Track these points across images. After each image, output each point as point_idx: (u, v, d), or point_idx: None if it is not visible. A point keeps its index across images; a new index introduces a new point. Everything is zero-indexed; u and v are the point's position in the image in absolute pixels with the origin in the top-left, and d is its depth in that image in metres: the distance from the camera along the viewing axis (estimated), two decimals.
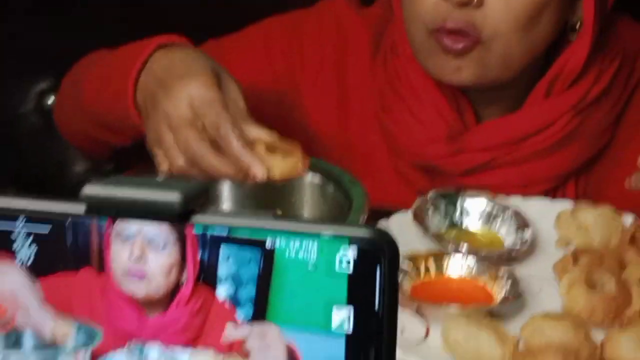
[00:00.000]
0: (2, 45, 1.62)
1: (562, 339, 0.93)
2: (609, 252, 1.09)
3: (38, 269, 0.52)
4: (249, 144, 1.02)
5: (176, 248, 0.51)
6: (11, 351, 0.54)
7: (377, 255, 0.48)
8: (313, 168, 1.19)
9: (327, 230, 0.49)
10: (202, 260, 0.51)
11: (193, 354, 0.52)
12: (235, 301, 0.50)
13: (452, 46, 1.20)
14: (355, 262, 0.48)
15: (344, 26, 1.37)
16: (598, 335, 0.97)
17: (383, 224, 1.15)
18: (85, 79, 1.28)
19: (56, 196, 0.52)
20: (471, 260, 1.08)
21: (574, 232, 1.14)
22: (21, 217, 0.52)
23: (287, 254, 0.49)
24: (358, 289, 0.48)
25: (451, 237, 1.15)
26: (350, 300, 0.48)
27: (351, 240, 0.48)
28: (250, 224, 0.49)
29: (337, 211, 1.13)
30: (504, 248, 1.14)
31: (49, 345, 0.54)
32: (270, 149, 1.02)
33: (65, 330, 0.53)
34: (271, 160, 1.01)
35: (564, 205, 1.19)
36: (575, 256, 1.08)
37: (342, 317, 0.48)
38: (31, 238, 0.52)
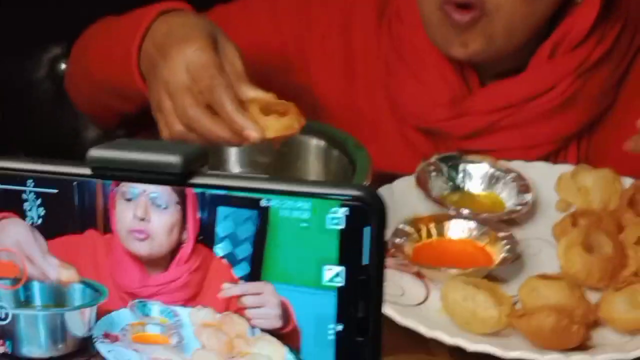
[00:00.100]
0: (14, 13, 1.63)
1: (557, 299, 0.95)
2: (607, 214, 1.10)
3: (47, 230, 0.55)
4: (243, 105, 1.02)
5: (177, 208, 0.53)
6: (22, 310, 0.56)
7: (367, 213, 0.50)
8: (318, 133, 1.20)
9: (320, 190, 0.51)
10: (201, 220, 0.53)
11: (193, 311, 0.54)
12: (232, 259, 0.53)
13: (461, 19, 1.21)
14: (346, 219, 0.50)
15: None
16: (594, 297, 0.99)
17: (386, 188, 1.16)
18: (92, 47, 1.29)
19: (63, 159, 0.55)
20: (472, 223, 1.10)
21: (574, 194, 1.15)
22: (30, 179, 0.54)
23: (281, 213, 0.51)
24: (348, 245, 0.50)
25: (453, 200, 1.17)
26: (340, 256, 0.50)
27: (342, 199, 0.50)
28: (246, 184, 0.52)
29: (342, 175, 1.15)
30: (505, 210, 1.16)
31: (57, 304, 0.56)
32: (265, 109, 1.02)
33: (70, 275, 0.55)
34: (265, 120, 1.01)
35: (565, 168, 1.20)
36: (574, 218, 1.09)
37: (333, 272, 0.51)
38: (40, 200, 0.54)
